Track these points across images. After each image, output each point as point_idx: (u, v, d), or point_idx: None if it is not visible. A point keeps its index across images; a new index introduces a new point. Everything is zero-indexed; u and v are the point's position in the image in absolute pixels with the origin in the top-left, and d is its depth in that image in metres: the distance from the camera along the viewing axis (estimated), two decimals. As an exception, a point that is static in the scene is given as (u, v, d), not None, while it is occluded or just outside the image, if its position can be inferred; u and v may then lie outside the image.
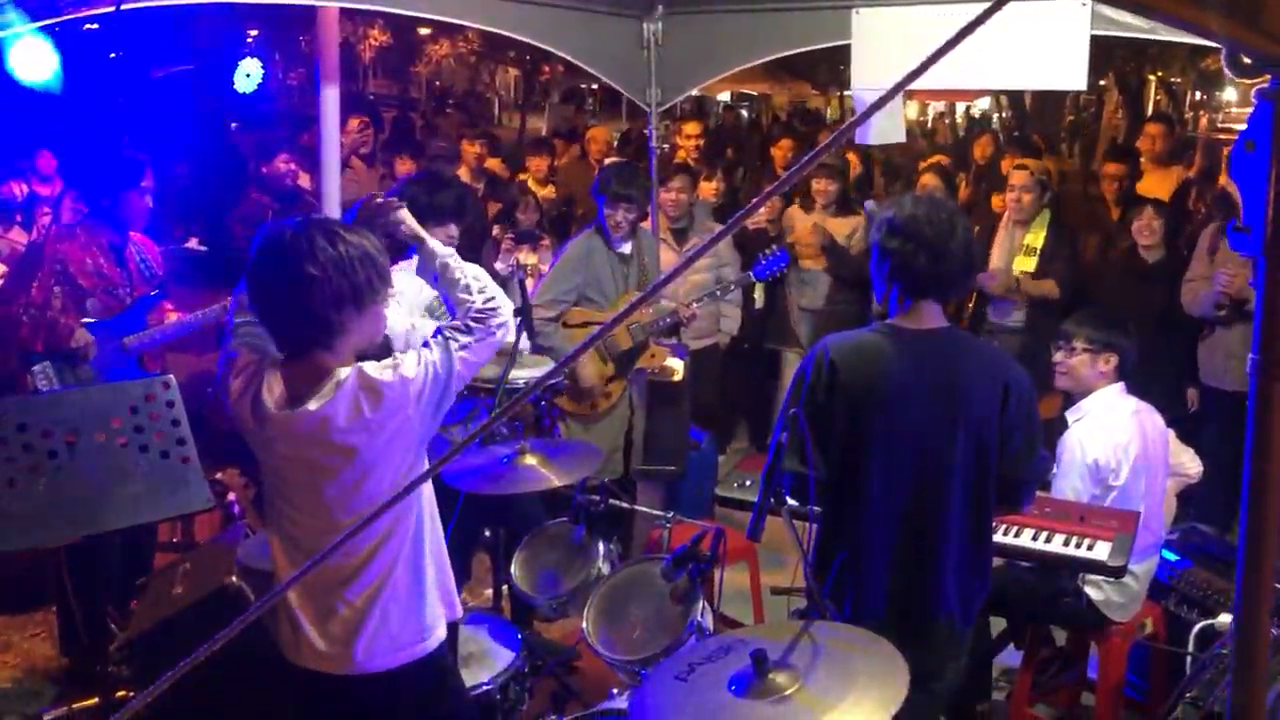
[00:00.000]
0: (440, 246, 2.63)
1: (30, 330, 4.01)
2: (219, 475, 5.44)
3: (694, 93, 17.20)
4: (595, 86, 26.68)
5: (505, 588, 4.05)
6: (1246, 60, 1.23)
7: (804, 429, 2.68)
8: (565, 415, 4.71)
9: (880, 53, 4.86)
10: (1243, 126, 1.22)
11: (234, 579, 3.45)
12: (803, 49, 5.12)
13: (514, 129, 23.24)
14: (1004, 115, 19.77)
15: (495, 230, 6.27)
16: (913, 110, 24.84)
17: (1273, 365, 1.25)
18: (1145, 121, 8.66)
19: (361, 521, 1.61)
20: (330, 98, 5.00)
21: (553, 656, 4.08)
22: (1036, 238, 5.50)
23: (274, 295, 2.28)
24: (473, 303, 2.48)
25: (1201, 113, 26.63)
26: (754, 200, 1.30)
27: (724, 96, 24.23)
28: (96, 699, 3.64)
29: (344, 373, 2.27)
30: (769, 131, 14.29)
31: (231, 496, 5.24)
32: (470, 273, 2.56)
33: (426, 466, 2.48)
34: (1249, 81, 1.25)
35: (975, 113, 26.09)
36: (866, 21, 4.78)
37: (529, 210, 6.49)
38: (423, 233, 2.68)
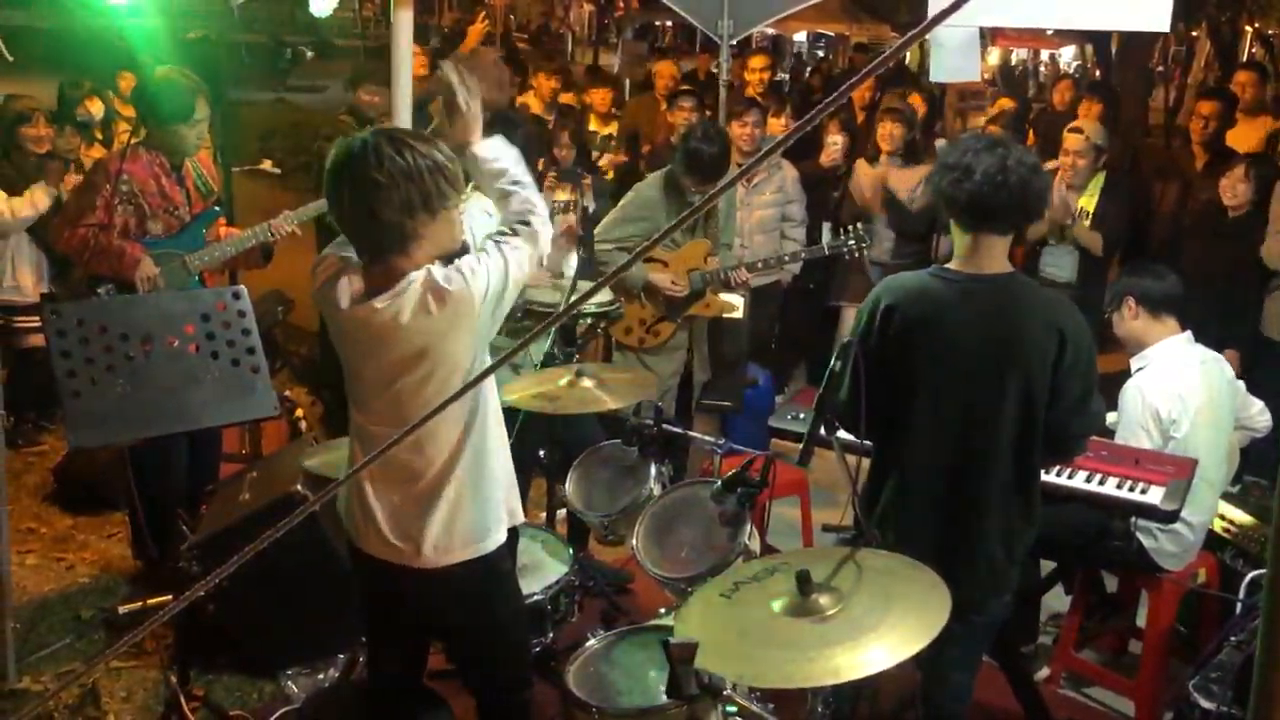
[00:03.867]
0: (487, 148, 2.62)
1: (94, 253, 4.06)
2: (287, 393, 5.62)
3: (769, 30, 16.99)
4: (669, 23, 26.36)
5: (560, 511, 4.15)
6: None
7: (858, 362, 2.70)
8: (620, 346, 4.75)
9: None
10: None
11: (299, 487, 3.57)
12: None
13: (586, 64, 23.10)
14: (1088, 63, 19.20)
15: (539, 165, 6.28)
16: (994, 56, 24.19)
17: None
18: (1236, 70, 8.34)
19: (424, 417, 1.67)
20: (403, 21, 5.03)
21: (605, 578, 4.17)
22: (1090, 201, 5.41)
23: (346, 205, 2.36)
24: (510, 203, 2.55)
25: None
26: (774, 144, 1.31)
27: (800, 36, 23.83)
28: (171, 596, 3.81)
29: (415, 274, 2.35)
30: (838, 71, 14.03)
31: (299, 412, 5.41)
32: (512, 171, 2.59)
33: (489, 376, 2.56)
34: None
35: (1061, 61, 25.41)
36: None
37: (565, 148, 6.47)
38: (476, 131, 2.64)
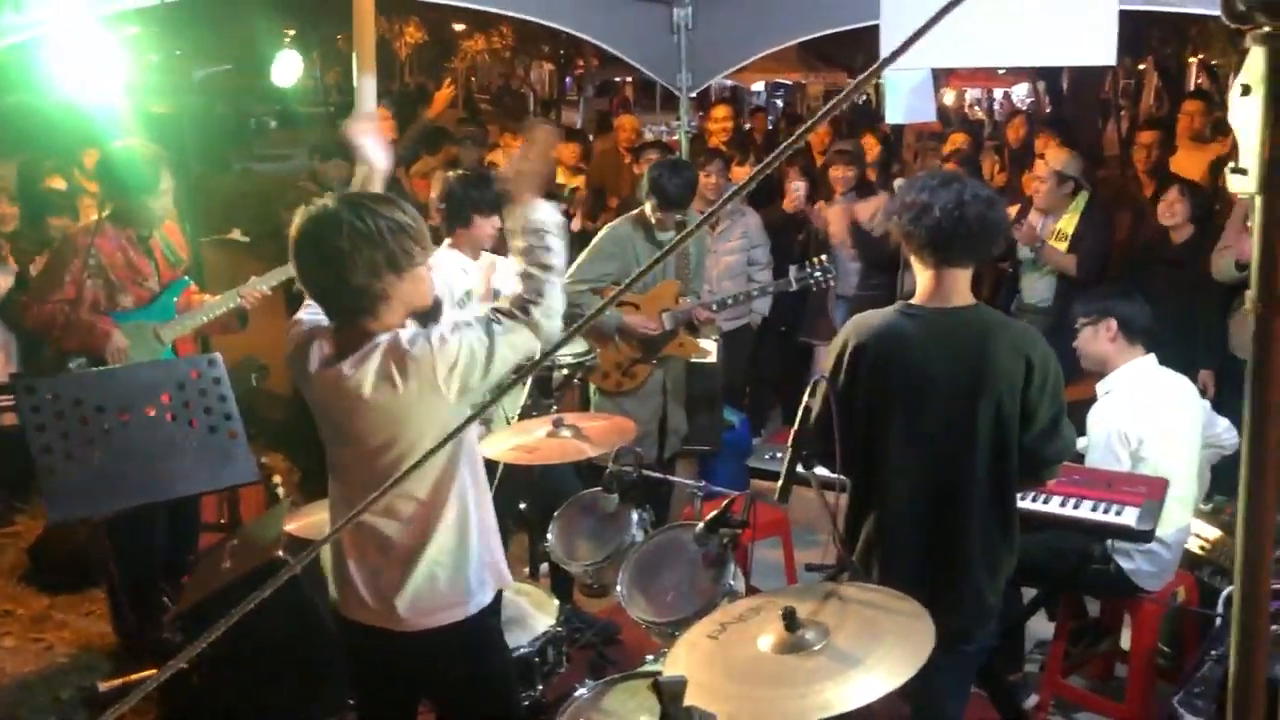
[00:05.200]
0: (542, 211, 2.53)
1: (64, 327, 4.06)
2: (263, 459, 5.59)
3: (727, 82, 17.27)
4: (629, 80, 26.70)
5: (543, 565, 4.15)
6: (1241, 6, 1.28)
7: (829, 400, 2.74)
8: (598, 391, 4.79)
9: (909, 32, 4.88)
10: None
11: (282, 553, 3.56)
12: (832, 30, 5.15)
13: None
14: (1040, 100, 19.59)
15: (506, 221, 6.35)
16: (949, 97, 24.61)
17: (1271, 300, 1.29)
18: (1183, 99, 8.59)
19: (392, 480, 1.68)
20: (367, 87, 5.09)
21: (592, 629, 4.16)
22: (1069, 223, 5.54)
23: (313, 272, 2.39)
24: (525, 282, 2.47)
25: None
26: (741, 183, 1.36)
27: (758, 86, 24.18)
28: (155, 669, 3.75)
29: (382, 337, 2.36)
30: (800, 119, 14.25)
31: (276, 479, 5.37)
32: (549, 249, 2.50)
33: (471, 437, 2.56)
34: (1244, 27, 1.29)
35: (1014, 98, 25.90)
36: (895, 1, 4.81)
37: None
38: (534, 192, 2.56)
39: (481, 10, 4.88)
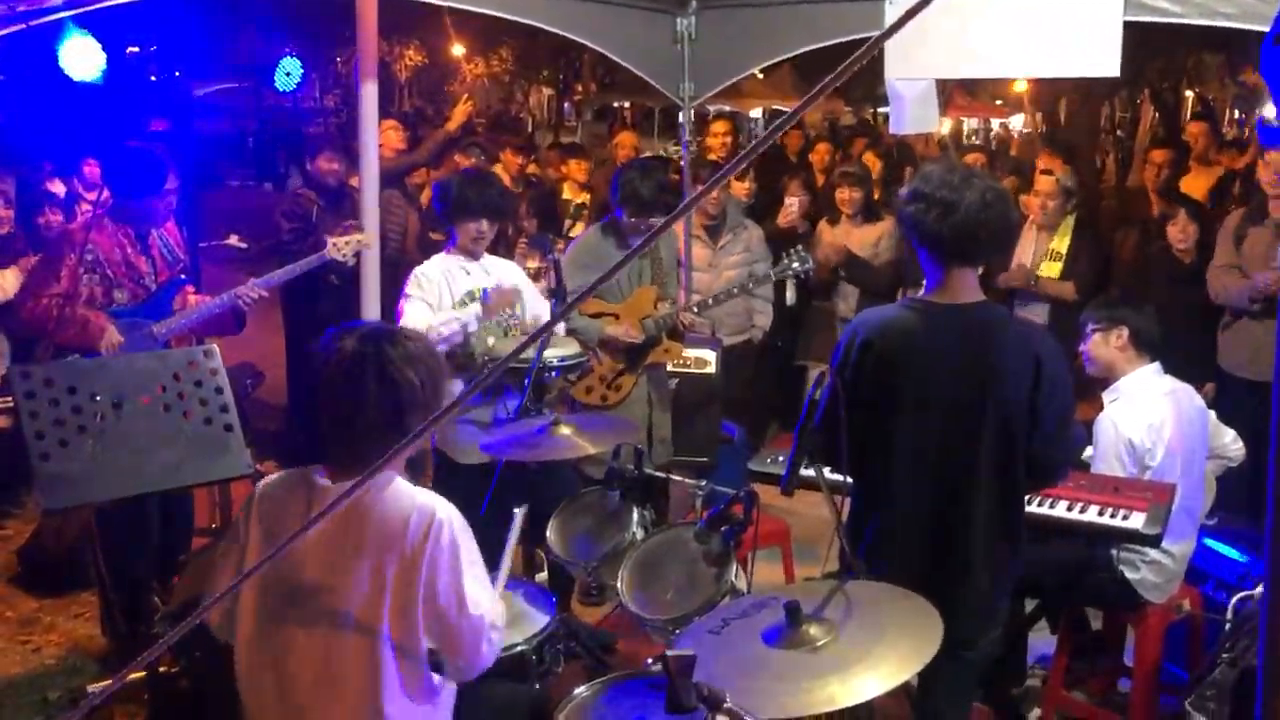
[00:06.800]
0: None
1: (58, 322, 4.01)
2: (257, 467, 5.53)
3: (726, 108, 17.32)
4: (627, 105, 26.82)
5: (539, 576, 4.10)
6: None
7: (836, 394, 2.69)
8: (583, 407, 4.71)
9: (913, 42, 4.86)
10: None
11: (274, 552, 3.51)
12: (834, 40, 5.13)
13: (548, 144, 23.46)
14: (1037, 130, 19.69)
15: (509, 234, 6.36)
16: (946, 126, 24.74)
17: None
18: (1188, 121, 8.61)
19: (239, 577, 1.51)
20: (369, 93, 5.08)
21: (589, 638, 4.09)
22: (1062, 242, 5.52)
23: (354, 411, 2.25)
24: None
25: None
26: (702, 188, 1.34)
27: (756, 113, 24.30)
28: (144, 672, 3.70)
29: (403, 490, 2.28)
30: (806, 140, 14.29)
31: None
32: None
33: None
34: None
35: (1011, 128, 26.05)
36: (900, 12, 4.80)
37: (524, 218, 6.54)
38: None
39: (482, 13, 4.84)
